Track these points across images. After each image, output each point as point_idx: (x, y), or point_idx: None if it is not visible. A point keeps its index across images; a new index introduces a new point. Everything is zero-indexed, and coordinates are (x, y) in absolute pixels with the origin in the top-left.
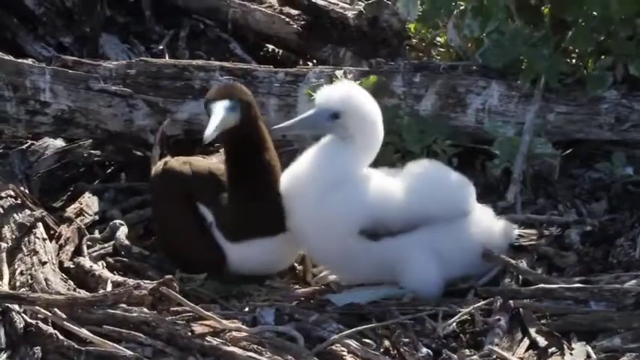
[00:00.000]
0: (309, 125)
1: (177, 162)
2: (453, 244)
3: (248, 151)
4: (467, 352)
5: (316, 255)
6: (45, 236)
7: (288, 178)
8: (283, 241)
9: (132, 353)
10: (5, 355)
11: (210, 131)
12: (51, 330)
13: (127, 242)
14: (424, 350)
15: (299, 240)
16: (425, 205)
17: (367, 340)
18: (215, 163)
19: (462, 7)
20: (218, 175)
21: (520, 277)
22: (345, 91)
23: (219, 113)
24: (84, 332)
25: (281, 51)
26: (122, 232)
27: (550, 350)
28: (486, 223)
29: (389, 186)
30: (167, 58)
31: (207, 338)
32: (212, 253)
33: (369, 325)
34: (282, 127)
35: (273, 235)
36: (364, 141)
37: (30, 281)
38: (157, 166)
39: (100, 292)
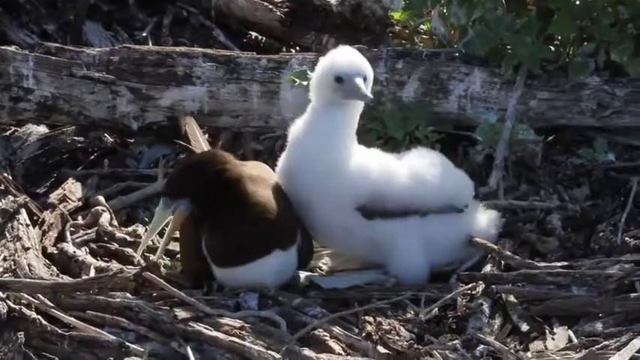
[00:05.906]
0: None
1: None
2: (443, 236)
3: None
4: (449, 336)
5: (316, 228)
6: (28, 222)
7: (292, 152)
8: (268, 261)
9: (115, 338)
10: None
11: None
12: (34, 315)
13: (110, 228)
14: (406, 335)
15: (301, 215)
16: (422, 194)
17: (349, 325)
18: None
19: None
20: None
21: (502, 262)
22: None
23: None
24: (67, 317)
25: (264, 38)
26: (105, 218)
27: (532, 335)
28: (477, 217)
29: (392, 168)
30: (150, 45)
31: (190, 323)
32: (204, 269)
33: (352, 310)
34: None
35: (253, 260)
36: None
37: (13, 267)
38: None
39: (84, 277)
